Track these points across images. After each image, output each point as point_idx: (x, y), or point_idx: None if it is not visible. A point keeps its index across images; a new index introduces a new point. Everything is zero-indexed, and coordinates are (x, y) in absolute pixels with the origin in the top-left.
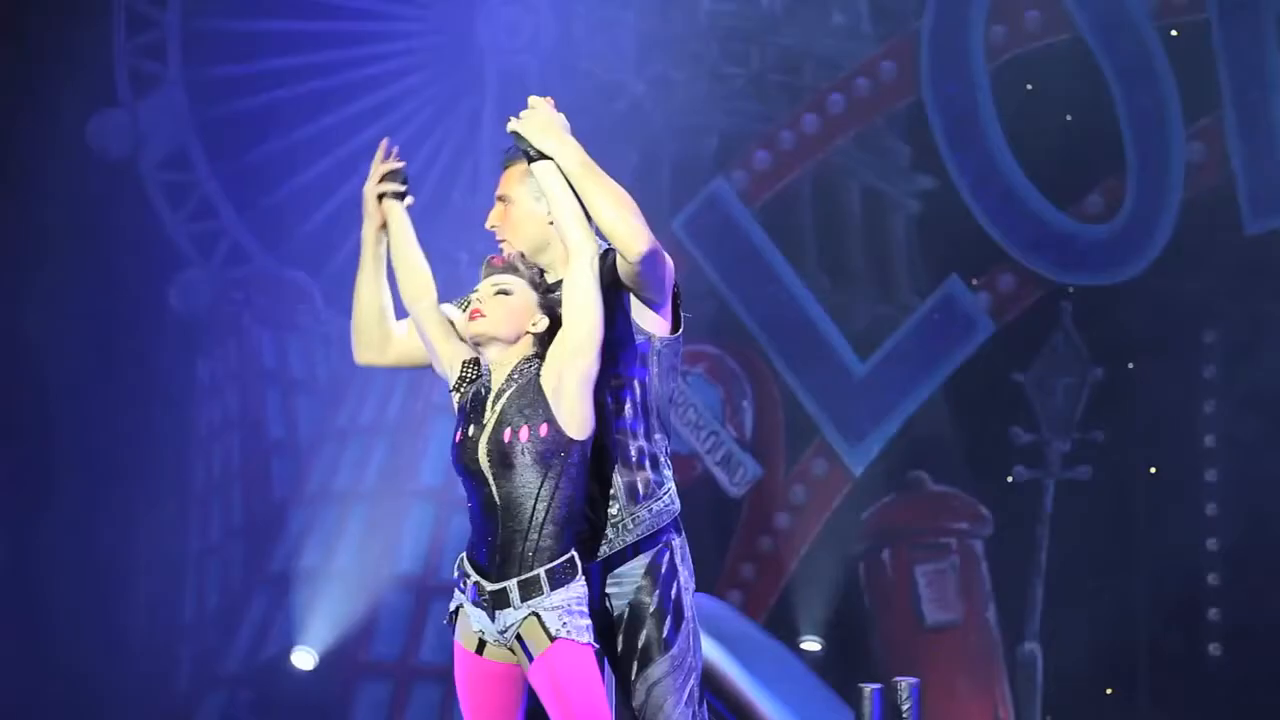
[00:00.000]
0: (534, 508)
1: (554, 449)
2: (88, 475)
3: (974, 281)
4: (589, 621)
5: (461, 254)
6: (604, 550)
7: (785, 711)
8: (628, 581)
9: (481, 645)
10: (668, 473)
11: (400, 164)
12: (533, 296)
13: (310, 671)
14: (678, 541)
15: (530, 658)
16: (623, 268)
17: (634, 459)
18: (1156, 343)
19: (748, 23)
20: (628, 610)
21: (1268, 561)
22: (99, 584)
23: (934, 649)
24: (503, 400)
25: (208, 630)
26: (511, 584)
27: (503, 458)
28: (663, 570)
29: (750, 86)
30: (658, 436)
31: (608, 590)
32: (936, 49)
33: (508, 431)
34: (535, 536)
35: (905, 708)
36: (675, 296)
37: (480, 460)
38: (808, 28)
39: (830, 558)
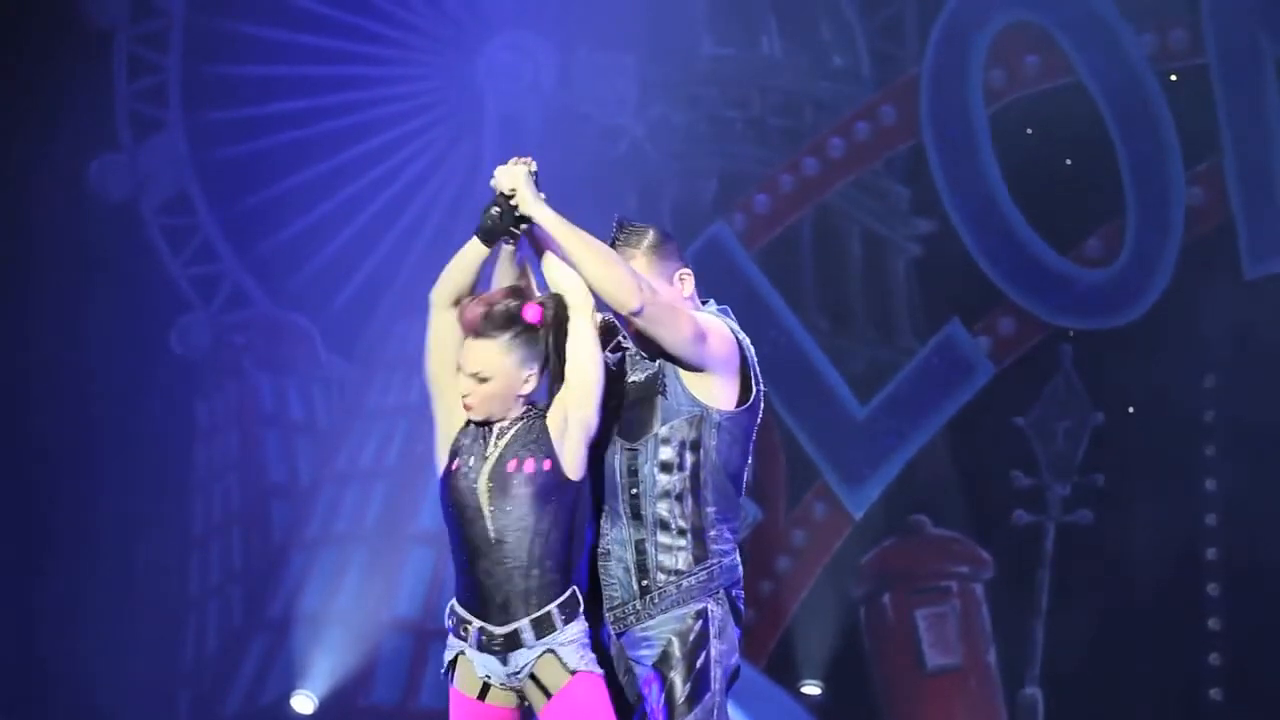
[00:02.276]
0: (531, 542)
1: (553, 486)
2: (86, 516)
3: (974, 327)
4: (595, 654)
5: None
6: (631, 620)
7: None
8: (657, 642)
9: (485, 690)
10: (715, 547)
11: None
12: (513, 362)
13: (309, 716)
14: (718, 612)
15: (547, 694)
16: (632, 330)
17: (674, 531)
18: (1157, 386)
19: (748, 67)
20: (652, 672)
21: (1269, 605)
22: (97, 627)
23: (934, 693)
24: (508, 436)
25: (207, 674)
26: (524, 624)
27: (503, 488)
28: (691, 637)
29: (750, 130)
30: (710, 510)
31: (632, 653)
32: (936, 93)
33: (512, 463)
34: (537, 572)
35: None
36: (744, 367)
37: (479, 490)
38: (807, 72)
39: (830, 601)
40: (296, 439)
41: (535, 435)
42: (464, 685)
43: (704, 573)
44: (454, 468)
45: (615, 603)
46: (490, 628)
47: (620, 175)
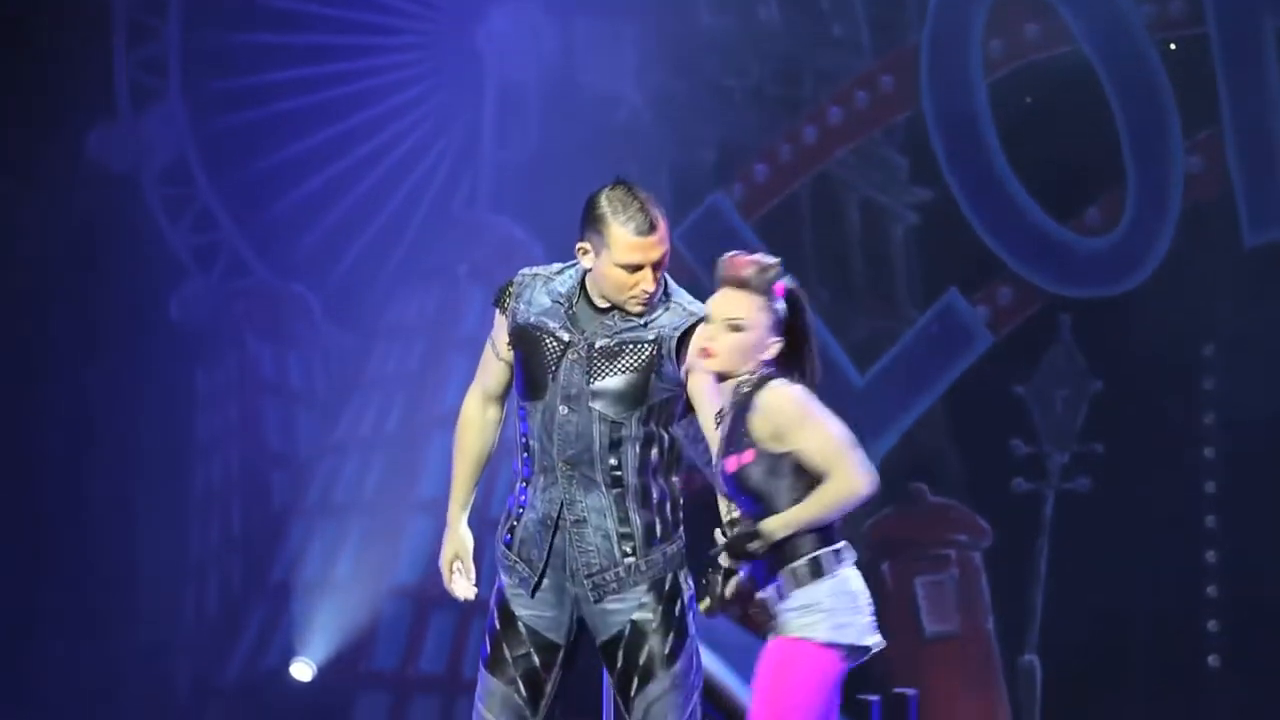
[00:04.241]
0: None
1: (766, 471)
2: (85, 485)
3: (973, 297)
4: (824, 628)
5: (460, 266)
6: (613, 587)
7: None
8: (631, 598)
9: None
10: (680, 515)
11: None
12: (766, 322)
13: (309, 683)
14: (683, 572)
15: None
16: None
17: (655, 501)
18: (1156, 355)
19: (747, 36)
20: (629, 626)
21: (1267, 574)
22: (97, 594)
23: (933, 660)
24: (725, 428)
25: (207, 641)
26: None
27: (725, 481)
28: (666, 587)
29: (749, 99)
30: (676, 479)
31: (610, 606)
32: (935, 62)
33: (732, 459)
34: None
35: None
36: None
37: (716, 477)
38: (807, 41)
39: None
40: (296, 408)
41: (740, 424)
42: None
43: (680, 541)
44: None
45: (594, 569)
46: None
47: (620, 144)
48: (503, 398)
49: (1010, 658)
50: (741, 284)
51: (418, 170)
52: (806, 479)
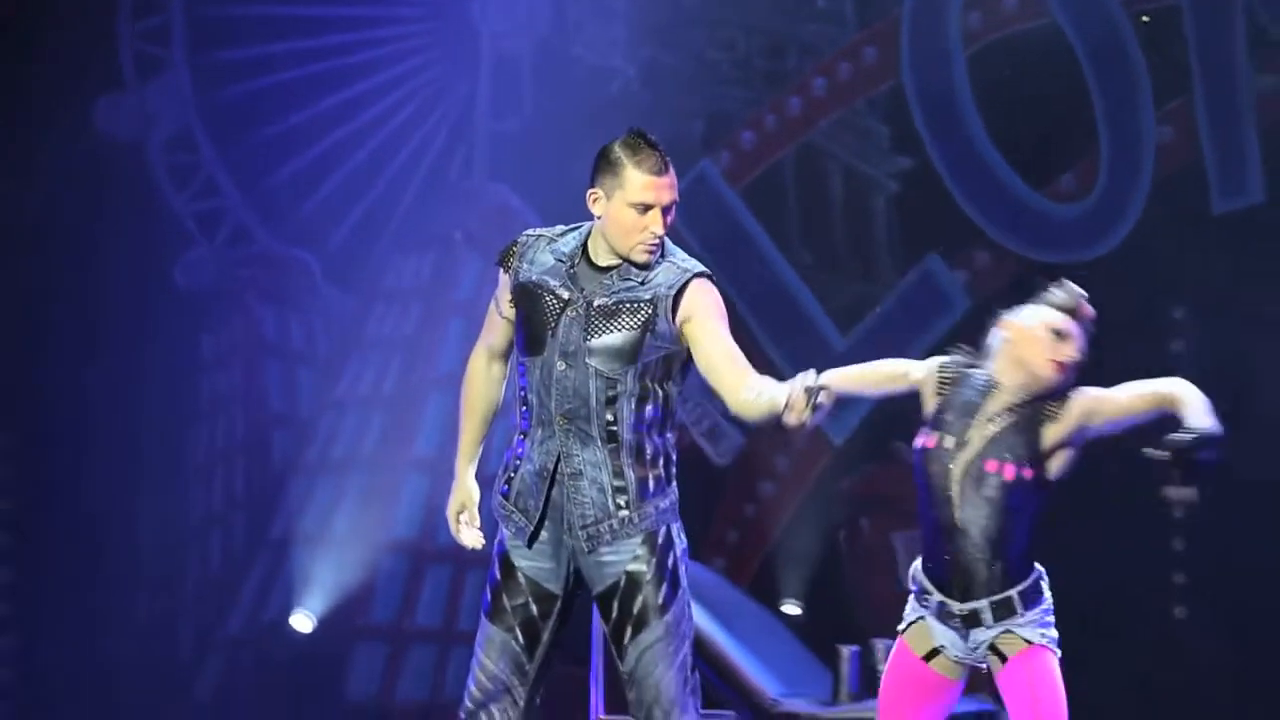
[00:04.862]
0: (996, 537)
1: (1029, 493)
2: (91, 445)
3: (952, 262)
4: (1057, 633)
5: (456, 232)
6: (606, 539)
7: (766, 672)
8: (625, 550)
9: (933, 654)
10: (674, 470)
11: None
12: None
13: (309, 634)
14: (676, 525)
15: (1004, 659)
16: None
17: (649, 456)
18: (1127, 318)
19: (734, 9)
20: (624, 577)
21: (1231, 529)
22: (103, 552)
23: None
24: (995, 427)
25: (210, 594)
26: (984, 605)
27: (976, 484)
28: (660, 540)
29: (736, 71)
30: (670, 434)
31: (604, 558)
32: (916, 34)
33: (992, 463)
34: (1000, 565)
35: (881, 668)
36: None
37: (952, 478)
38: (792, 14)
39: (811, 525)
40: (297, 369)
41: (1026, 439)
42: (914, 642)
43: (673, 496)
44: (931, 444)
45: (589, 521)
46: (950, 603)
47: (612, 114)
48: (506, 354)
49: None
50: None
51: (415, 139)
52: (1039, 522)
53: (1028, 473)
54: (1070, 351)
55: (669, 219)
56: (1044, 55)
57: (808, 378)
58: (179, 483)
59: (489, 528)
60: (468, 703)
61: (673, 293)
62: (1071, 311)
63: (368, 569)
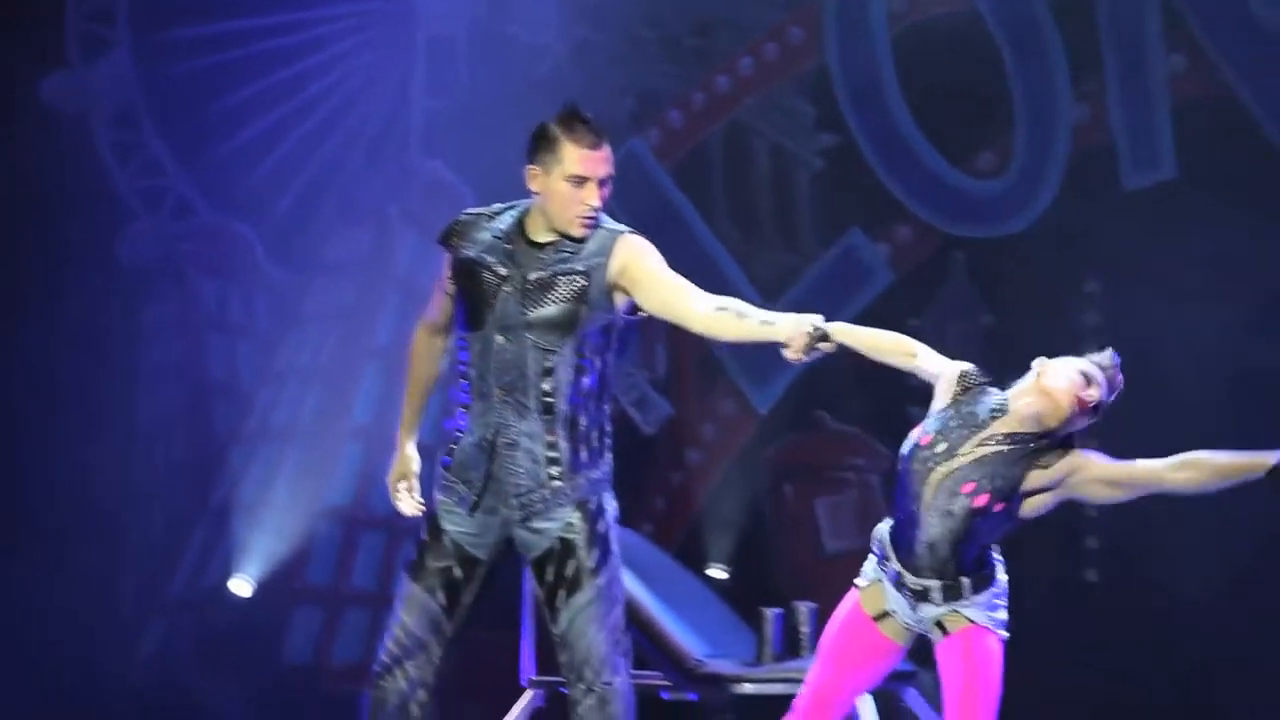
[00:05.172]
0: (955, 543)
1: (997, 524)
2: (33, 414)
3: (874, 236)
4: (1006, 616)
5: (392, 208)
6: (539, 508)
7: (692, 634)
8: (558, 517)
9: (883, 616)
10: (609, 442)
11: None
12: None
13: (248, 598)
14: (608, 494)
15: (945, 632)
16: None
17: (584, 428)
18: (1043, 290)
19: None
20: (558, 543)
21: (1142, 500)
22: (47, 517)
23: (832, 575)
24: (986, 451)
25: (152, 559)
26: (935, 585)
27: (949, 497)
28: (592, 508)
29: (665, 50)
30: (606, 406)
31: (539, 525)
32: (841, 16)
33: (969, 485)
34: (955, 562)
35: (804, 630)
36: None
37: (929, 483)
38: None
39: (737, 492)
40: (237, 341)
41: (1012, 472)
42: (868, 601)
43: (606, 467)
44: (925, 442)
45: (523, 490)
46: (906, 575)
47: (544, 92)
48: (448, 329)
49: None
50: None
51: (353, 117)
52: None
53: (999, 506)
54: (1094, 394)
55: (605, 192)
56: (964, 37)
57: (815, 320)
58: (123, 450)
59: (428, 497)
60: (384, 657)
61: (604, 259)
62: (1105, 369)
63: (305, 535)
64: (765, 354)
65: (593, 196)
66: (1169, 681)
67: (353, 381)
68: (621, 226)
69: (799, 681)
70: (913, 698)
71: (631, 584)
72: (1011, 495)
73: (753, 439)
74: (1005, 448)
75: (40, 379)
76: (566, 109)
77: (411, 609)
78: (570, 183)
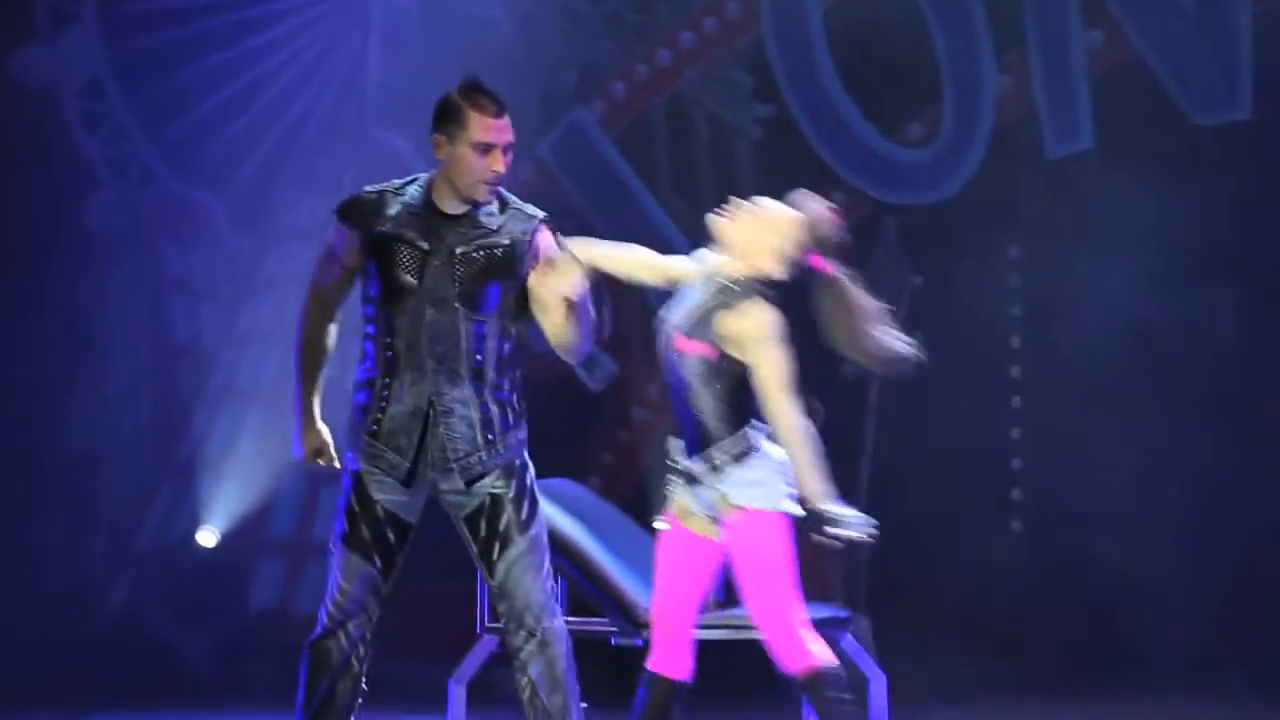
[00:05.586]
0: (704, 419)
1: (712, 369)
2: (4, 377)
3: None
4: (783, 490)
5: (346, 176)
6: (477, 470)
7: (639, 583)
8: (489, 477)
9: (685, 514)
10: (525, 403)
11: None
12: (791, 256)
13: (213, 549)
14: (526, 451)
15: (722, 516)
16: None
17: (507, 391)
18: (969, 254)
19: None
20: (489, 499)
21: (1064, 448)
22: (19, 476)
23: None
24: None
25: (121, 514)
26: (696, 464)
27: (685, 369)
28: (517, 465)
29: (608, 25)
30: (521, 370)
31: (471, 486)
32: None
33: (686, 342)
34: (710, 434)
35: None
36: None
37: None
38: None
39: None
40: (200, 305)
41: (710, 318)
42: (675, 510)
43: (525, 428)
44: (675, 336)
45: (461, 454)
46: (680, 461)
47: (492, 65)
48: (340, 302)
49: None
50: (812, 226)
51: (311, 86)
52: (735, 396)
53: (702, 348)
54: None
55: (508, 159)
56: (893, 12)
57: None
58: (92, 408)
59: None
60: (326, 622)
61: (527, 238)
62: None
63: (268, 489)
64: None
65: (497, 163)
66: (1074, 616)
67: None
68: (536, 210)
69: (740, 627)
70: (849, 643)
71: (581, 536)
72: (709, 334)
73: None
74: (701, 305)
75: (11, 342)
76: (468, 81)
77: (350, 576)
78: (475, 150)
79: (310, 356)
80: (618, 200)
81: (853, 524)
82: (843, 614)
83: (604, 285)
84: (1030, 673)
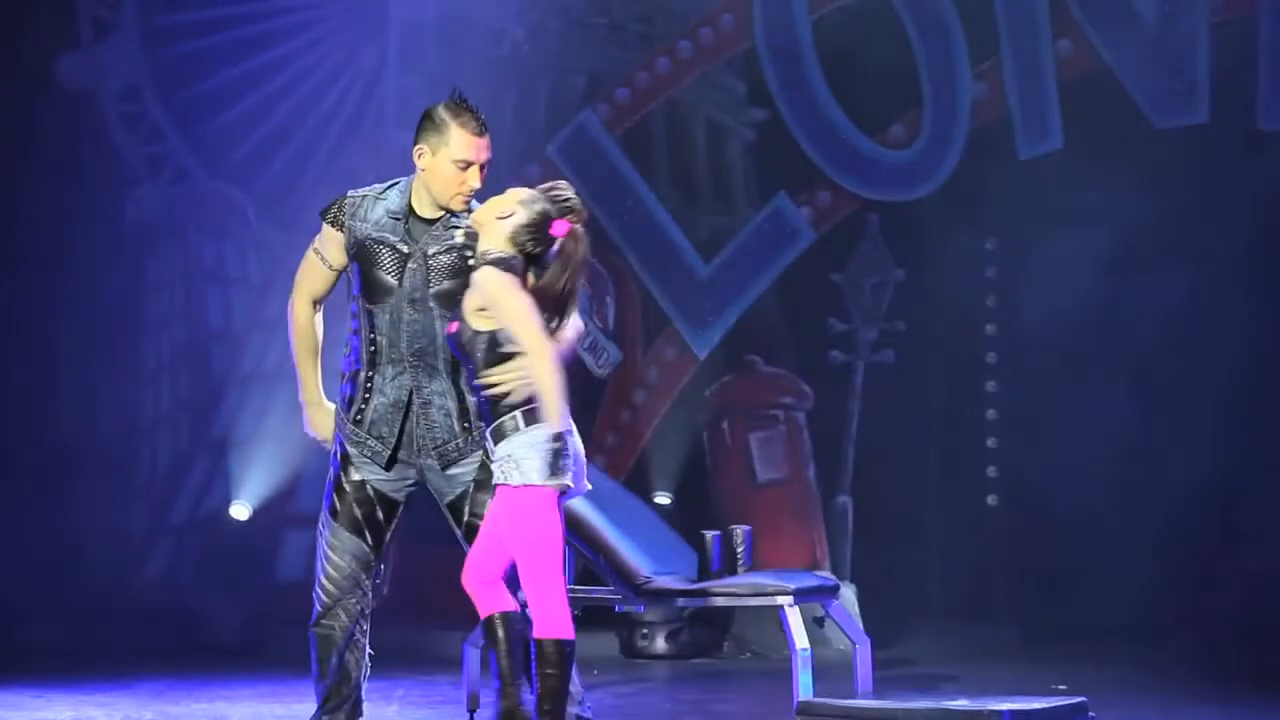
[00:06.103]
0: (470, 395)
1: (473, 350)
2: (53, 360)
3: (799, 200)
4: (540, 463)
5: (369, 175)
6: (454, 456)
7: (641, 554)
8: (469, 464)
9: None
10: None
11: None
12: (521, 233)
13: (245, 521)
14: None
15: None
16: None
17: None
18: (947, 248)
19: None
20: (472, 484)
21: (1035, 426)
22: (64, 453)
23: (764, 502)
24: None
25: (159, 486)
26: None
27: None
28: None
29: (613, 34)
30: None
31: (452, 471)
32: (767, 3)
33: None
34: (477, 409)
35: (739, 549)
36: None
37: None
38: None
39: (679, 427)
40: (232, 292)
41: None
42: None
43: None
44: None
45: (440, 442)
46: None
47: (504, 71)
48: (324, 299)
49: (827, 499)
50: (535, 199)
51: (334, 90)
52: (497, 352)
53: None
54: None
55: (484, 175)
56: (877, 24)
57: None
58: (131, 390)
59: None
60: (324, 598)
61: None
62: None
63: (296, 465)
64: (704, 305)
65: (475, 179)
66: (1037, 584)
67: (341, 326)
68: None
69: (737, 595)
70: (837, 610)
71: (587, 510)
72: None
73: (693, 381)
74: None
75: (57, 326)
76: (455, 97)
77: (343, 553)
78: (456, 165)
79: (305, 347)
80: (620, 196)
81: None
82: (831, 582)
83: (607, 277)
84: (1005, 636)
